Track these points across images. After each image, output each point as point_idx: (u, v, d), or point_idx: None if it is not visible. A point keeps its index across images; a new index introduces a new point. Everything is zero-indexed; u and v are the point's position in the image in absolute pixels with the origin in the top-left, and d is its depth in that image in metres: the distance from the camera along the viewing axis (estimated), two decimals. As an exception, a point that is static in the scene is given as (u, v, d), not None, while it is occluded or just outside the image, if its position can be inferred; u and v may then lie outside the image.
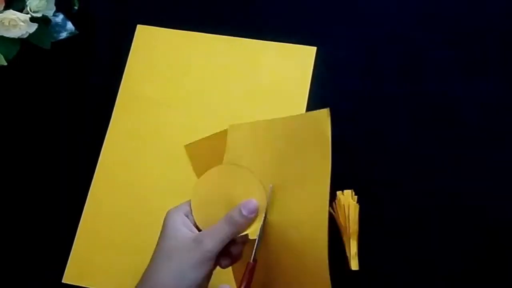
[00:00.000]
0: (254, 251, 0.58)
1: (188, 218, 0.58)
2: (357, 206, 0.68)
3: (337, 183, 0.70)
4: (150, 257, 0.72)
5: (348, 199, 0.68)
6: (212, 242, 0.55)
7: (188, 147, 0.76)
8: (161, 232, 0.58)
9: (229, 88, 0.80)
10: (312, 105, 0.77)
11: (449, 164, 0.72)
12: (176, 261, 0.55)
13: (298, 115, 0.62)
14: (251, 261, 0.58)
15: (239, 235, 0.58)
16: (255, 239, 0.58)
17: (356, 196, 0.69)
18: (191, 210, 0.59)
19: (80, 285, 0.73)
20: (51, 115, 0.82)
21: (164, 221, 0.58)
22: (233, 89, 0.79)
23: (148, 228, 0.74)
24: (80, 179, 0.78)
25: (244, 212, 0.56)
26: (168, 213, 0.59)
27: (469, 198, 0.70)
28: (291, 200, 0.58)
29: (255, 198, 0.58)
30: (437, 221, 0.70)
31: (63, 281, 0.74)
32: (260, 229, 0.58)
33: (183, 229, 0.57)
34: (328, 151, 0.57)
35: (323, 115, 0.58)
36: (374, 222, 0.70)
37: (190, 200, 0.60)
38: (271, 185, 0.58)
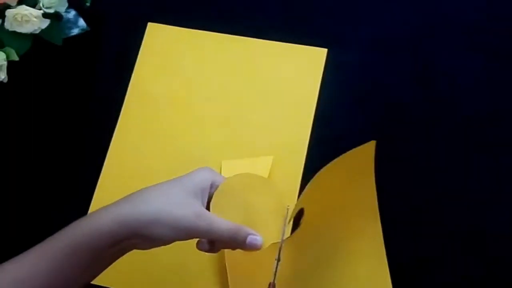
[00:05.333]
0: (274, 274, 0.57)
1: (212, 188, 0.57)
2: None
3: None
4: (160, 254, 0.72)
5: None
6: (206, 232, 0.54)
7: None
8: (183, 177, 0.56)
9: (238, 88, 0.80)
10: (322, 108, 0.77)
11: (458, 169, 0.72)
12: (167, 210, 0.53)
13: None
14: (272, 282, 0.58)
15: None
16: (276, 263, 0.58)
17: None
18: (217, 186, 0.57)
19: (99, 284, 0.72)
20: (60, 111, 0.82)
21: (192, 173, 0.57)
22: (242, 89, 0.80)
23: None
24: (88, 176, 0.78)
25: (247, 241, 0.55)
26: (201, 170, 0.57)
27: (475, 203, 0.70)
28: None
29: (272, 224, 0.57)
30: (443, 225, 0.70)
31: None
32: (279, 250, 0.57)
33: (198, 196, 0.55)
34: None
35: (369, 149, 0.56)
36: (384, 221, 0.68)
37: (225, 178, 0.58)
38: (288, 206, 0.57)
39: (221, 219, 0.55)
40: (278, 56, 0.80)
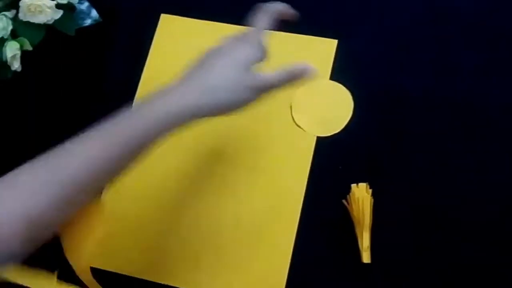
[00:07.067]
0: None
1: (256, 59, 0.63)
2: (371, 199, 0.68)
3: (353, 176, 0.70)
4: (172, 242, 0.73)
5: (362, 192, 0.68)
6: (276, 79, 0.62)
7: None
8: (228, 53, 0.64)
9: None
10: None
11: (466, 161, 0.71)
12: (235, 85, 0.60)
13: None
14: None
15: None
16: None
17: (370, 190, 0.69)
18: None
19: (103, 269, 0.73)
20: (72, 102, 0.83)
21: (235, 48, 0.64)
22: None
23: (167, 216, 0.75)
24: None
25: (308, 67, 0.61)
26: (242, 45, 0.65)
27: (483, 195, 0.70)
28: None
29: None
30: (451, 216, 0.69)
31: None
32: None
33: (248, 69, 0.62)
34: None
35: None
36: (388, 216, 0.70)
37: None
38: None
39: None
40: (289, 47, 0.80)
